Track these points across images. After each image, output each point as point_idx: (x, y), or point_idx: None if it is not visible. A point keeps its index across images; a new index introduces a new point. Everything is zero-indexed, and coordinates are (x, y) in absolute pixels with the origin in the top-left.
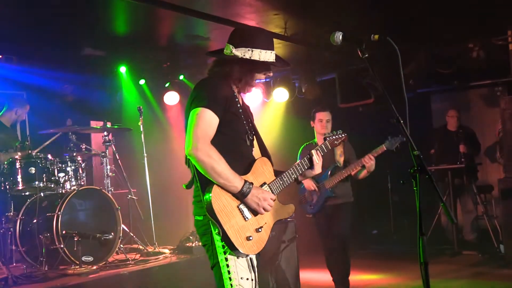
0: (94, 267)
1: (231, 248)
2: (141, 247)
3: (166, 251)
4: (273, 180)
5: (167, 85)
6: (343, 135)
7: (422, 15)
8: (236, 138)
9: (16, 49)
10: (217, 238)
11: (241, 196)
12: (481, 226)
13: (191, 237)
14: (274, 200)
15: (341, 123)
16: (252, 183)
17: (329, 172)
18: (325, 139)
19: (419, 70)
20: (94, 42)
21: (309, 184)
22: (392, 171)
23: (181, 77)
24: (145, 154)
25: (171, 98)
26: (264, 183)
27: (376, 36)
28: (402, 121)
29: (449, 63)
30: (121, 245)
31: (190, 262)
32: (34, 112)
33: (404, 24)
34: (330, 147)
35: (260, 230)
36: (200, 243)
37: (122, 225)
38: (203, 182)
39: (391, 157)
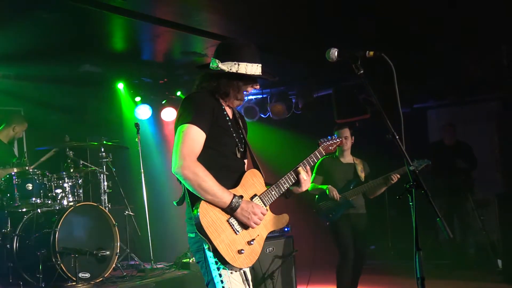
0: (91, 284)
1: (223, 263)
2: (138, 263)
3: (163, 267)
4: (264, 191)
5: (164, 101)
6: (338, 140)
7: (417, 31)
8: (225, 152)
9: (14, 65)
10: (209, 254)
11: (230, 210)
12: (478, 241)
13: (188, 253)
14: (264, 214)
15: None
16: (241, 196)
17: (352, 185)
18: (318, 144)
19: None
20: (92, 58)
21: (333, 193)
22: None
23: (178, 93)
24: (142, 170)
25: (168, 114)
26: (255, 195)
27: (371, 52)
28: (398, 137)
29: (445, 78)
30: (118, 262)
31: (187, 278)
32: (31, 128)
33: (399, 40)
34: (324, 153)
35: (252, 242)
36: None
37: (119, 241)
38: (192, 199)
39: (388, 172)
